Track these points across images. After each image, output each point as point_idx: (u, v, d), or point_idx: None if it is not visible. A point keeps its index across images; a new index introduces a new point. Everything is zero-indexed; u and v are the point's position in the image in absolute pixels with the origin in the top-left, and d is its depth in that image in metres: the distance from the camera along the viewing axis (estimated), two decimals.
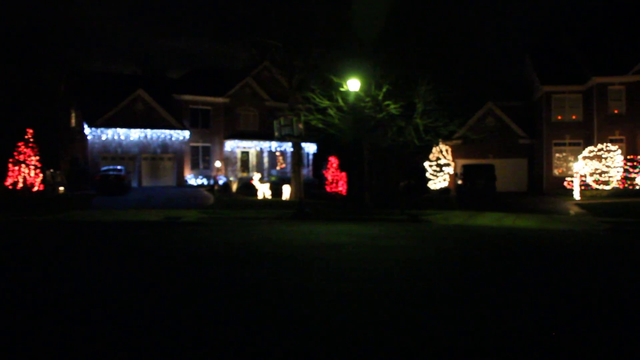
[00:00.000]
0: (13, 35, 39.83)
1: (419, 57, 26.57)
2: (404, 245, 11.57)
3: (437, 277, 7.87)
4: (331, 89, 26.87)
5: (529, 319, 5.49)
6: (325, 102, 27.10)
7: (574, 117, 36.97)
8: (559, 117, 37.09)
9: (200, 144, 43.58)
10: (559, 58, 38.52)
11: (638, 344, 4.84)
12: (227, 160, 43.75)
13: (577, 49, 37.46)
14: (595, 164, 30.76)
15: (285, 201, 30.14)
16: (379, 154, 30.44)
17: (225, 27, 32.04)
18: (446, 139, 35.01)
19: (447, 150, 38.15)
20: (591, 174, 30.80)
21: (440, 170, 37.77)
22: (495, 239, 13.73)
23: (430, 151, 37.56)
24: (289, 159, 44.68)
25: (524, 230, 15.88)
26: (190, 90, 43.60)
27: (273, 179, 41.65)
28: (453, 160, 38.38)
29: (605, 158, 30.63)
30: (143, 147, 40.54)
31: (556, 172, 36.98)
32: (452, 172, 38.05)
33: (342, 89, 25.77)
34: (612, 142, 32.88)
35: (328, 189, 34.13)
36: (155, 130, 40.54)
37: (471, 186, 33.38)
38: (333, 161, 34.08)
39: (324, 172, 35.17)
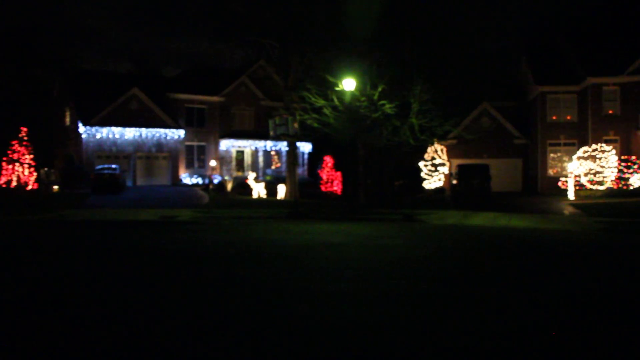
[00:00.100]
0: (8, 34, 39.67)
1: (415, 57, 26.65)
2: (400, 245, 11.58)
3: (435, 276, 7.88)
4: (327, 88, 26.90)
5: (528, 319, 5.51)
6: (321, 102, 27.12)
7: (568, 117, 37.10)
8: (554, 118, 37.22)
9: (195, 143, 43.48)
10: (554, 58, 38.64)
11: (636, 342, 4.86)
12: (222, 159, 43.69)
13: (572, 50, 37.57)
14: (589, 164, 30.85)
15: (281, 200, 30.12)
16: (374, 154, 30.47)
17: (221, 26, 31.91)
18: (441, 139, 35.04)
19: (442, 150, 38.18)
20: (585, 174, 30.89)
21: (435, 170, 37.79)
22: (490, 238, 13.77)
23: (425, 151, 37.56)
24: (284, 158, 44.68)
25: (518, 230, 15.92)
26: (185, 89, 43.49)
27: (268, 178, 41.63)
28: (448, 160, 38.42)
29: (600, 158, 30.72)
30: (138, 146, 40.41)
31: (551, 172, 37.12)
32: (447, 172, 38.09)
33: (337, 89, 25.81)
34: (607, 142, 32.98)
35: (323, 188, 34.10)
36: (150, 129, 40.41)
37: (466, 186, 33.38)
38: (328, 161, 34.06)
39: (319, 171, 35.12)
